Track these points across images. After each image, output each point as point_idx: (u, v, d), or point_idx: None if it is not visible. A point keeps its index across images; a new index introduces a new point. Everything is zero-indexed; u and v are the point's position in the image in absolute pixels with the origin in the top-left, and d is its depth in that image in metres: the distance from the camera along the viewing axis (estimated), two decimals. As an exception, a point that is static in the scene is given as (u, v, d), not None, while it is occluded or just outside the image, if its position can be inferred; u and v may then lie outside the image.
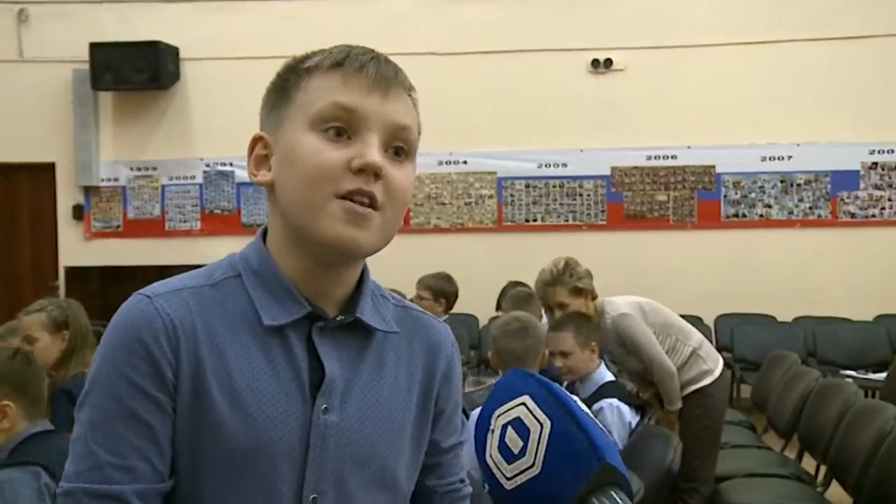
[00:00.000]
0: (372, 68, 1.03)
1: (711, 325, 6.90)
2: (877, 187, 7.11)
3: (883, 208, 7.12)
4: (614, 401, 3.34)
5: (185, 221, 7.58)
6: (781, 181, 7.17)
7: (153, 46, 7.13)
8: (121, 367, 0.99)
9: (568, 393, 1.14)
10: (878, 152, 7.07)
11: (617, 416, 3.31)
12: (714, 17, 7.14)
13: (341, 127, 1.02)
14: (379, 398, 1.08)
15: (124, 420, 0.98)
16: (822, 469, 3.99)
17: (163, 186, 7.57)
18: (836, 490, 3.75)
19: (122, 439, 0.98)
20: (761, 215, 7.20)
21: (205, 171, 7.52)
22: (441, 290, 4.95)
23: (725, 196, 7.22)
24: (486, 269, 6.46)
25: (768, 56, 7.02)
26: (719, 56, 7.07)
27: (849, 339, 6.64)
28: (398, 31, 6.90)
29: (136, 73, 7.13)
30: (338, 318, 1.07)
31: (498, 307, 5.05)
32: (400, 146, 1.05)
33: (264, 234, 1.11)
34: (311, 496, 1.03)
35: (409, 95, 1.07)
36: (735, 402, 6.08)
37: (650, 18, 7.14)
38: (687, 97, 7.08)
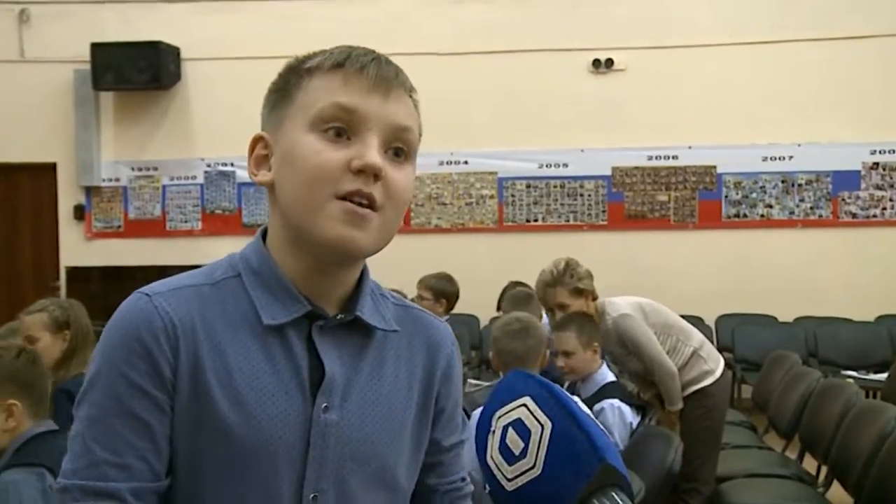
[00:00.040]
0: (373, 69, 1.03)
1: (712, 326, 6.90)
2: (878, 187, 7.10)
3: (884, 208, 7.11)
4: (615, 401, 3.34)
5: (186, 222, 7.58)
6: (782, 181, 7.16)
7: (154, 47, 7.13)
8: (119, 366, 0.99)
9: (568, 394, 1.14)
10: (880, 152, 7.06)
11: (618, 417, 3.31)
12: (715, 18, 7.14)
13: (341, 127, 1.02)
14: (379, 397, 1.09)
15: (122, 418, 0.98)
16: (824, 469, 3.99)
17: (164, 187, 7.57)
18: (837, 490, 3.75)
19: (119, 437, 0.98)
20: (762, 215, 7.20)
21: (206, 172, 7.53)
22: (442, 290, 4.95)
23: (726, 196, 7.22)
24: (487, 269, 6.46)
25: (769, 56, 7.02)
26: (720, 56, 7.06)
27: (850, 339, 6.63)
28: (399, 32, 6.90)
29: (137, 73, 7.13)
30: (338, 317, 1.07)
31: (499, 307, 5.05)
32: (400, 147, 1.06)
33: (264, 233, 1.11)
34: (312, 495, 1.03)
35: (410, 96, 1.08)
36: (736, 403, 6.08)
37: (651, 18, 7.14)
38: (688, 97, 7.08)
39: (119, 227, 7.60)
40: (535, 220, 7.34)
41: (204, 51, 7.32)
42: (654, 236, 7.24)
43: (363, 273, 1.12)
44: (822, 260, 7.06)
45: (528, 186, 7.33)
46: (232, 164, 7.41)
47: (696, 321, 5.26)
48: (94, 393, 1.00)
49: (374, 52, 1.06)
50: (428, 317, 1.20)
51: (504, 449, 1.11)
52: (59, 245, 7.61)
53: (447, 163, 7.32)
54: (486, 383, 3.64)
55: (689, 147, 7.17)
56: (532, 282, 3.93)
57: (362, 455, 1.06)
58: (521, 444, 1.09)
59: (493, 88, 7.18)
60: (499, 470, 1.12)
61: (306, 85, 1.05)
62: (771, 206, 7.18)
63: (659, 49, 7.11)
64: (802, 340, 6.62)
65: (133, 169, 7.56)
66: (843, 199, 7.13)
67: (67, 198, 7.58)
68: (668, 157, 7.22)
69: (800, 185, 7.16)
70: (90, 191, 7.55)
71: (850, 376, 5.63)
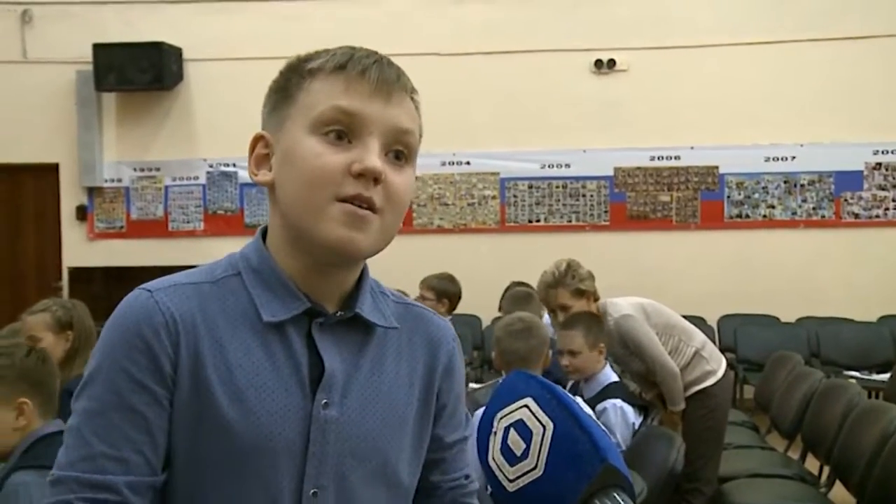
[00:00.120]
0: (374, 72, 1.03)
1: (714, 326, 6.89)
2: (880, 188, 7.10)
3: (887, 209, 7.11)
4: (618, 401, 3.35)
5: (188, 222, 7.59)
6: (785, 182, 7.16)
7: (156, 47, 7.14)
8: (120, 361, 1.00)
9: (570, 395, 1.14)
10: (882, 153, 7.06)
11: (620, 417, 3.31)
12: (717, 18, 7.14)
13: (342, 130, 1.03)
14: (379, 393, 1.09)
15: (121, 412, 0.99)
16: (826, 470, 3.98)
17: (166, 187, 7.58)
18: (839, 491, 3.75)
19: (118, 431, 0.98)
20: (765, 216, 7.19)
21: (208, 172, 7.53)
22: (444, 290, 4.95)
23: (729, 197, 7.21)
24: (489, 269, 6.46)
25: (772, 56, 7.02)
26: (722, 57, 7.06)
27: (852, 339, 6.63)
28: (400, 32, 6.90)
29: (139, 73, 7.13)
30: (337, 314, 1.08)
31: (500, 308, 5.05)
32: (400, 150, 1.06)
33: (264, 232, 1.11)
34: (312, 491, 1.03)
35: (412, 98, 1.08)
36: (738, 403, 6.07)
37: (653, 19, 7.14)
38: (690, 98, 7.08)
39: (121, 227, 7.61)
40: (538, 221, 7.35)
41: (206, 51, 7.33)
42: (656, 237, 7.24)
43: (363, 271, 1.12)
44: (824, 260, 7.05)
45: (531, 187, 7.33)
46: (234, 165, 7.42)
47: (698, 321, 5.25)
48: (95, 387, 1.00)
49: (376, 53, 1.06)
50: (428, 314, 1.20)
51: (506, 450, 1.11)
52: (61, 245, 7.63)
53: (449, 163, 7.32)
54: (488, 383, 3.64)
55: (692, 147, 7.17)
56: (534, 282, 3.93)
57: (362, 451, 1.06)
58: (523, 445, 1.09)
59: (495, 89, 7.18)
60: (500, 471, 1.12)
61: (308, 86, 1.05)
62: (773, 207, 7.18)
63: (661, 49, 7.11)
64: (805, 341, 6.62)
65: (135, 169, 7.57)
66: (846, 200, 7.12)
67: (70, 198, 7.59)
68: (671, 158, 7.22)
69: (802, 186, 7.15)
70: (93, 191, 7.56)
71: (852, 377, 5.63)
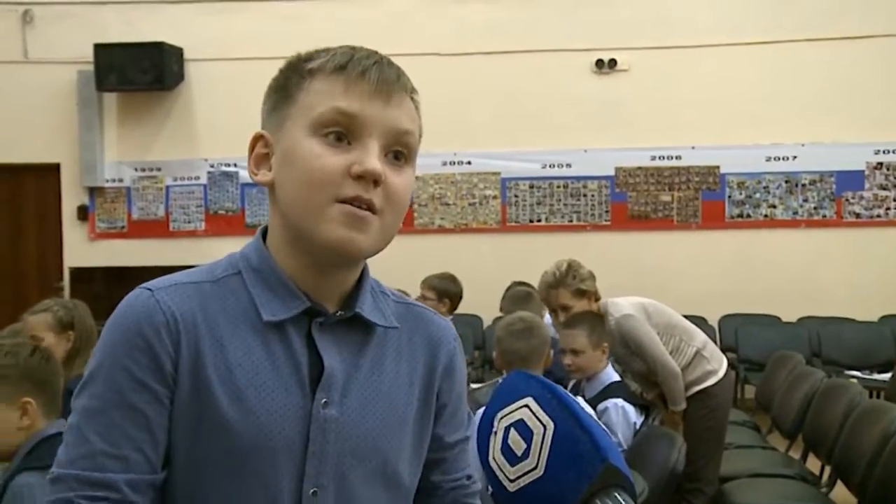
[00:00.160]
0: (374, 73, 1.03)
1: (716, 326, 6.89)
2: (882, 187, 7.10)
3: (888, 208, 7.10)
4: (619, 401, 3.35)
5: (189, 222, 7.59)
6: (786, 181, 7.16)
7: (157, 47, 7.14)
8: (121, 360, 1.00)
9: (571, 395, 1.14)
10: (883, 152, 7.05)
11: (622, 416, 3.31)
12: (718, 18, 7.13)
13: (341, 132, 1.03)
14: (379, 393, 1.09)
15: (122, 410, 0.99)
16: (827, 469, 3.98)
17: (167, 187, 7.58)
18: (840, 490, 3.74)
19: (117, 429, 0.99)
20: (766, 216, 7.19)
21: (209, 172, 7.53)
22: (445, 290, 4.95)
23: (730, 196, 7.21)
24: (491, 269, 6.46)
25: (773, 56, 7.01)
26: (723, 56, 7.06)
27: (853, 339, 6.62)
28: (401, 32, 6.90)
29: (140, 74, 7.13)
30: (337, 314, 1.08)
31: (501, 308, 5.05)
32: (400, 150, 1.06)
33: (264, 232, 1.12)
34: (311, 490, 1.03)
35: (411, 98, 1.08)
36: (739, 403, 6.07)
37: (654, 19, 7.14)
38: (691, 98, 7.08)
39: (122, 227, 7.61)
40: (539, 221, 7.34)
41: (207, 51, 7.33)
42: (657, 236, 7.24)
43: (363, 271, 1.13)
44: (825, 260, 7.05)
45: (532, 187, 7.33)
46: (235, 165, 7.42)
47: (699, 321, 5.25)
48: (96, 385, 1.01)
49: (376, 53, 1.06)
50: (429, 313, 1.20)
51: (506, 450, 1.11)
52: (62, 245, 7.63)
53: (450, 163, 7.32)
54: (488, 382, 3.64)
55: (693, 147, 7.16)
56: (535, 282, 3.93)
57: (362, 451, 1.06)
58: (524, 445, 1.09)
59: (496, 89, 7.18)
60: (501, 471, 1.12)
61: (308, 86, 1.05)
62: (774, 207, 7.18)
63: (662, 49, 7.11)
64: (806, 340, 6.62)
65: (136, 169, 7.57)
66: (847, 200, 7.12)
67: (71, 198, 7.59)
68: (672, 158, 7.21)
69: (803, 186, 7.15)
70: (94, 191, 7.56)
71: (853, 376, 5.63)
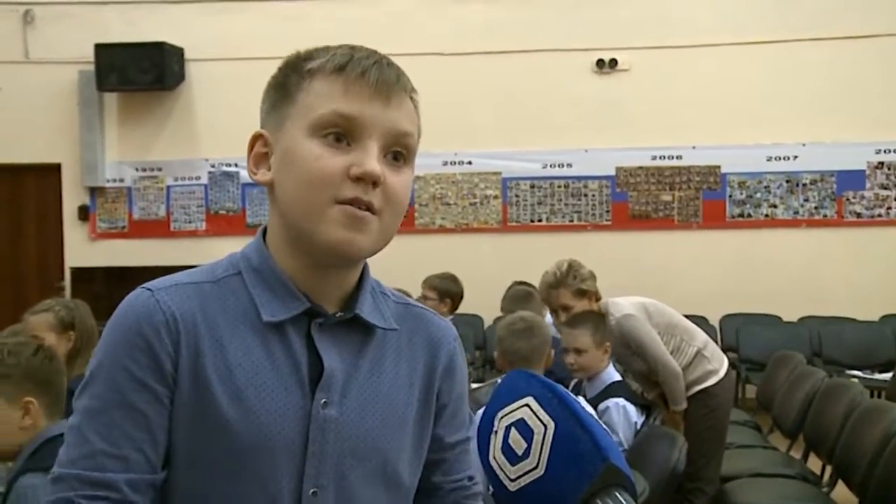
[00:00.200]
0: (374, 74, 1.03)
1: (716, 326, 6.88)
2: (883, 187, 7.09)
3: (889, 208, 7.10)
4: (620, 400, 3.35)
5: (190, 222, 7.59)
6: (787, 181, 7.16)
7: (158, 47, 7.14)
8: (122, 360, 1.00)
9: (572, 394, 1.14)
10: (884, 152, 7.05)
11: (623, 416, 3.31)
12: (719, 18, 7.13)
13: (341, 133, 1.03)
14: (378, 393, 1.09)
15: (122, 410, 0.99)
16: (828, 469, 3.98)
17: (168, 187, 7.58)
18: (841, 490, 3.74)
19: (118, 429, 0.99)
20: (767, 215, 7.19)
21: (210, 172, 7.54)
22: (446, 290, 4.95)
23: (731, 196, 7.21)
24: (491, 269, 6.45)
25: (774, 56, 7.01)
26: (724, 56, 7.06)
27: (854, 339, 6.62)
28: (401, 32, 6.90)
29: (141, 74, 7.13)
30: (337, 315, 1.08)
31: (502, 307, 5.05)
32: (399, 151, 1.06)
33: (265, 232, 1.12)
34: (311, 490, 1.04)
35: (411, 98, 1.08)
36: (740, 402, 6.07)
37: (654, 19, 7.14)
38: (692, 97, 7.07)
39: (123, 227, 7.61)
40: (539, 221, 7.34)
41: (208, 51, 7.33)
42: (658, 236, 7.23)
43: (363, 271, 1.13)
44: (826, 260, 7.05)
45: (532, 186, 7.33)
46: (236, 165, 7.42)
47: (700, 321, 5.25)
48: (96, 385, 1.01)
49: (376, 53, 1.06)
50: (429, 314, 1.20)
51: (507, 449, 1.11)
52: (63, 245, 7.63)
53: (451, 163, 7.32)
54: (488, 381, 3.64)
55: (693, 147, 7.16)
56: (536, 282, 3.93)
57: (362, 451, 1.06)
58: (524, 445, 1.09)
59: (497, 89, 7.18)
60: (501, 470, 1.12)
61: (307, 86, 1.05)
62: (775, 206, 7.18)
63: (662, 49, 7.11)
64: (807, 340, 6.61)
65: (137, 169, 7.57)
66: (848, 199, 7.12)
67: (72, 198, 7.59)
68: (672, 157, 7.21)
69: (804, 185, 7.15)
70: (94, 191, 7.56)
71: (854, 376, 5.63)
